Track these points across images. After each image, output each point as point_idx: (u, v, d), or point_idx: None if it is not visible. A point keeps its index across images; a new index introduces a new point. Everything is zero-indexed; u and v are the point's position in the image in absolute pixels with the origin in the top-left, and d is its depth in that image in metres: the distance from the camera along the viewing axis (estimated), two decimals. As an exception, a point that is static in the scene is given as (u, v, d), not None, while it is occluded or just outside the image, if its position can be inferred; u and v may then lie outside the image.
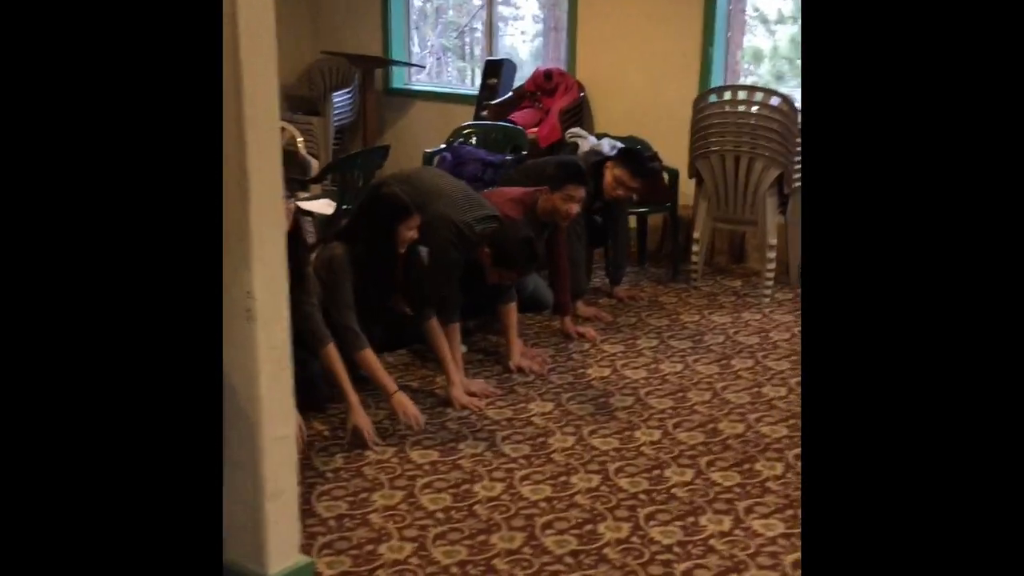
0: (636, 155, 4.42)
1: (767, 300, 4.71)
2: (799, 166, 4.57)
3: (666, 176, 5.07)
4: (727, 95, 4.78)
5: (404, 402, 3.27)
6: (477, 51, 6.61)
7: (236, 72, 2.04)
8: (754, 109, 4.63)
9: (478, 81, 6.27)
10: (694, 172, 4.80)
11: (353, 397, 3.17)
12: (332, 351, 3.14)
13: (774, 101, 4.57)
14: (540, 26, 6.47)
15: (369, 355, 3.25)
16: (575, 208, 3.91)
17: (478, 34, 6.84)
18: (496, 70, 6.13)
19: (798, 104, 4.49)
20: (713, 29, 5.46)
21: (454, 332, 3.62)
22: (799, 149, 4.50)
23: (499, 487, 2.93)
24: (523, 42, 6.61)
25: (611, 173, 4.30)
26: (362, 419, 3.17)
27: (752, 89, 4.84)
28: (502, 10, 6.83)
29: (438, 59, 7.21)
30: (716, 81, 5.47)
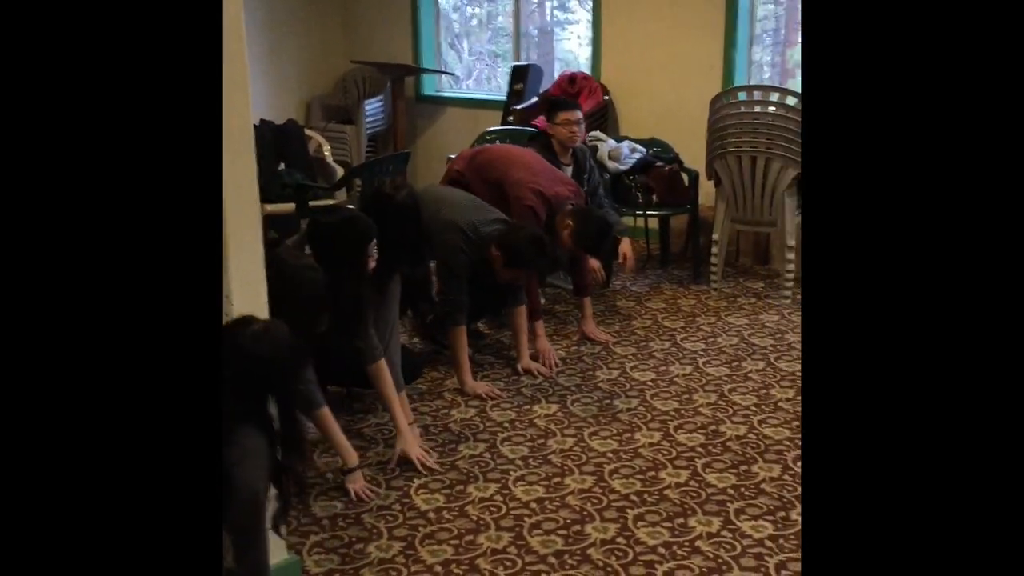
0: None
1: (787, 302, 4.67)
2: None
3: (686, 177, 5.06)
4: (742, 95, 4.76)
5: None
6: (534, 56, 6.65)
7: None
8: (770, 109, 4.59)
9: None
10: (712, 173, 4.78)
11: (402, 422, 3.11)
12: (381, 365, 3.07)
13: (790, 101, 4.53)
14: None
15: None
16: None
17: (535, 39, 6.88)
18: (522, 75, 6.17)
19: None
20: (735, 33, 5.43)
21: (461, 335, 3.66)
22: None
23: (493, 488, 2.96)
24: (579, 46, 6.62)
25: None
26: (412, 447, 3.08)
27: (768, 89, 4.81)
28: (558, 15, 6.87)
29: (488, 66, 7.26)
30: (739, 82, 5.44)
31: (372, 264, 2.97)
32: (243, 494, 2.03)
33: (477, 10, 7.27)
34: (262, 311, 2.31)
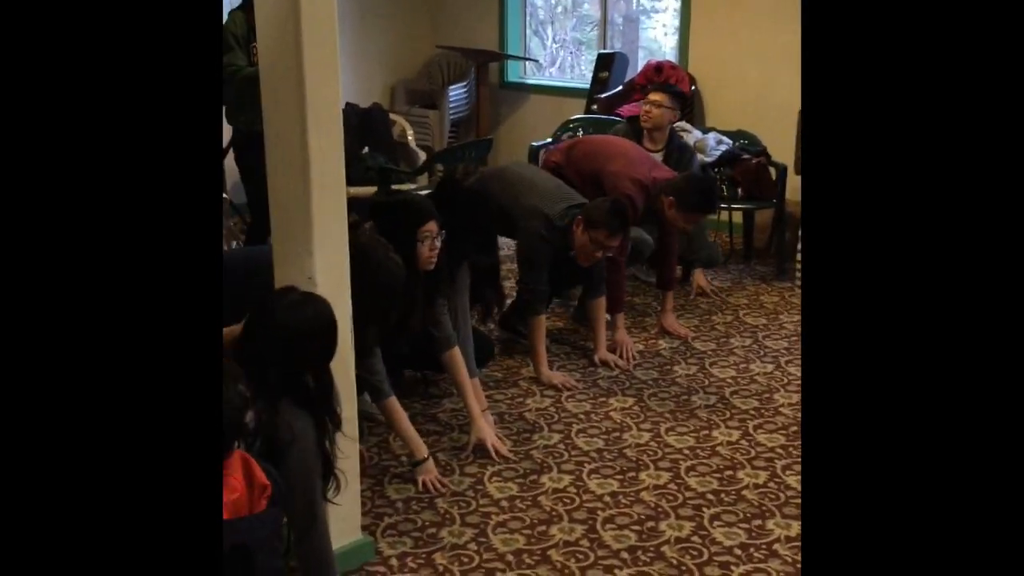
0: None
1: (874, 302, 4.53)
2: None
3: (773, 171, 4.95)
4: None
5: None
6: (618, 44, 6.58)
7: (298, 63, 2.12)
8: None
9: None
10: (801, 167, 4.66)
11: (475, 409, 3.08)
12: (455, 353, 3.08)
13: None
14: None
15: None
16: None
17: (620, 27, 6.81)
18: (608, 64, 6.10)
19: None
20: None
21: (540, 325, 3.63)
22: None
23: (567, 479, 2.93)
24: (664, 35, 6.53)
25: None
26: (486, 433, 3.06)
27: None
28: (644, 3, 6.78)
29: (571, 53, 7.21)
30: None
31: (433, 248, 2.88)
32: (297, 479, 2.04)
33: (564, -1, 7.21)
34: (345, 294, 2.32)
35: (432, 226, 2.89)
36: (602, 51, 6.30)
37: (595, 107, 5.91)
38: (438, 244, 2.91)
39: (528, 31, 7.00)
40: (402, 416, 2.89)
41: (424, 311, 2.97)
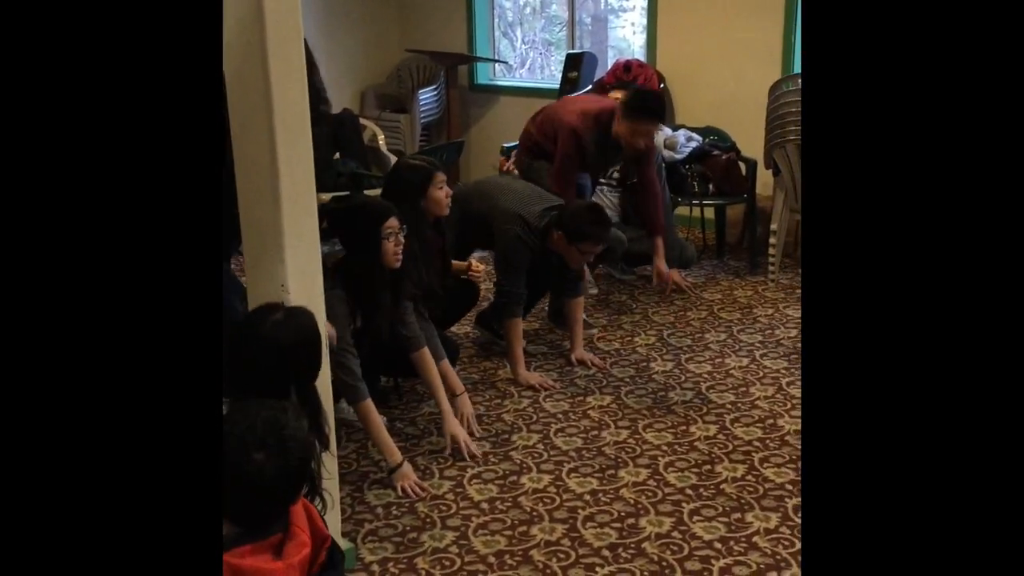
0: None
1: (847, 293, 4.57)
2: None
3: (743, 167, 4.98)
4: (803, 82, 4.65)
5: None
6: (588, 44, 6.59)
7: (264, 71, 2.11)
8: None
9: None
10: (771, 162, 4.70)
11: (445, 404, 3.11)
12: (424, 353, 3.08)
13: (853, 88, 4.42)
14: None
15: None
16: (648, 142, 4.06)
17: (588, 27, 6.83)
18: (577, 64, 6.12)
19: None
20: (795, 17, 5.33)
21: (517, 326, 3.65)
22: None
23: (546, 479, 2.94)
24: (633, 33, 6.54)
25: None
26: (456, 428, 3.10)
27: (830, 76, 4.70)
28: (612, 2, 6.80)
29: (541, 54, 7.21)
30: (799, 70, 5.33)
31: (398, 243, 2.90)
32: None
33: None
34: (318, 301, 2.32)
35: (393, 222, 2.92)
36: (571, 51, 6.32)
37: (565, 107, 5.92)
38: (402, 239, 2.93)
39: (497, 33, 7.01)
40: (377, 421, 2.89)
41: (391, 311, 2.98)
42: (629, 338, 4.08)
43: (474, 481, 2.94)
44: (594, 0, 6.87)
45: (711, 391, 3.55)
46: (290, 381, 2.08)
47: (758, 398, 3.49)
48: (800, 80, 4.68)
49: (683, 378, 3.67)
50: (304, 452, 1.65)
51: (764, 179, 4.96)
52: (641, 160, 4.12)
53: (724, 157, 4.94)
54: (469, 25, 6.80)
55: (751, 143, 5.06)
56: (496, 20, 6.98)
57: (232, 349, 2.10)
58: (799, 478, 2.91)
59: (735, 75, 5.56)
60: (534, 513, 2.76)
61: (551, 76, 6.87)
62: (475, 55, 6.80)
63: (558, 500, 2.82)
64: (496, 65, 6.99)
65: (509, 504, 2.81)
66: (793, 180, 4.61)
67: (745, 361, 3.82)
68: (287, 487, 1.62)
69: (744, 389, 3.56)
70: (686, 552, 2.55)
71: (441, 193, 3.29)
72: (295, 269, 2.25)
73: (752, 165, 4.96)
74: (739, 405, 3.43)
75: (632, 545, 2.59)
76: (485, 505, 2.80)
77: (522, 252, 3.56)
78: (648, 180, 4.14)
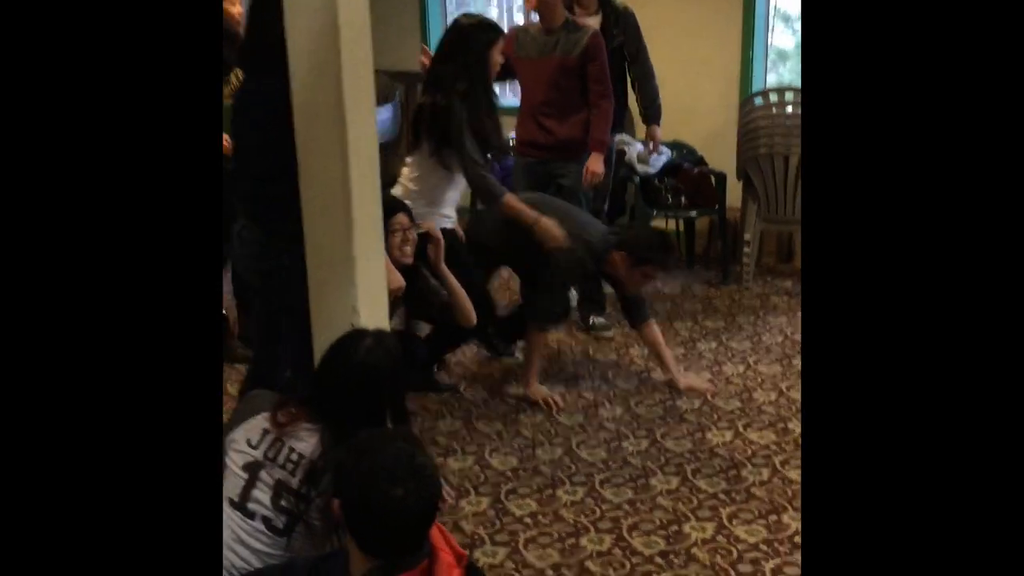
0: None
1: (820, 299, 4.75)
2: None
3: (713, 179, 5.14)
4: (773, 97, 4.84)
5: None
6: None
7: (339, 100, 2.13)
8: (800, 110, 4.68)
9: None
10: (743, 174, 4.86)
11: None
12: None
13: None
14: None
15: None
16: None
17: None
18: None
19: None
20: (752, 33, 5.52)
21: (543, 340, 3.71)
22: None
23: (581, 491, 2.99)
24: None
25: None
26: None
27: (797, 91, 4.90)
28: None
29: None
30: (757, 84, 5.53)
31: (405, 240, 3.06)
32: None
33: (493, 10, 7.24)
34: (385, 323, 2.34)
35: (403, 218, 3.03)
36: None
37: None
38: (410, 237, 3.00)
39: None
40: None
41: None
42: (625, 350, 4.17)
43: (511, 496, 2.97)
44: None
45: (716, 398, 3.66)
46: (386, 404, 2.10)
47: (763, 403, 3.61)
48: (769, 96, 4.87)
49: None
50: (437, 478, 1.69)
51: (733, 191, 5.12)
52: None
53: (696, 170, 5.09)
54: (424, 44, 6.82)
55: (715, 156, 5.23)
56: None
57: (324, 375, 2.11)
58: (822, 478, 3.04)
59: (695, 91, 5.72)
60: (579, 524, 2.81)
61: (507, 94, 6.93)
62: (429, 73, 6.82)
63: (598, 511, 2.88)
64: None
65: (552, 517, 2.85)
66: (766, 191, 4.78)
67: (741, 368, 3.95)
68: (428, 514, 1.65)
69: (748, 395, 3.68)
70: (735, 556, 2.64)
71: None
72: (365, 292, 2.27)
73: (722, 178, 5.12)
74: (747, 411, 3.55)
75: (682, 551, 2.67)
76: (528, 520, 2.84)
77: (578, 275, 3.61)
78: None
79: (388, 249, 2.90)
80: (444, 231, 3.39)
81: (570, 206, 3.83)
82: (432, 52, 3.77)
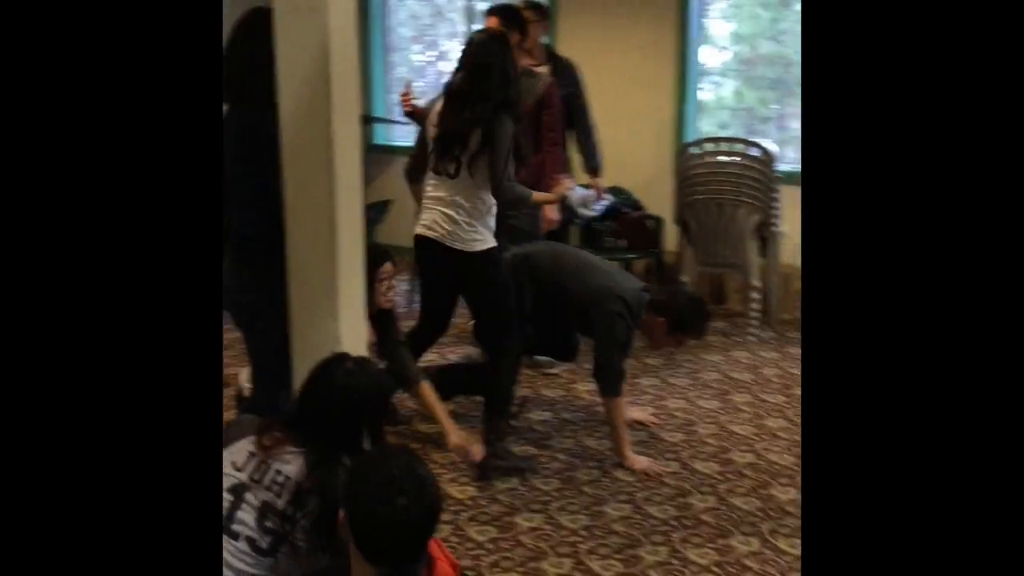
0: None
1: (753, 339, 4.99)
2: (776, 211, 4.91)
3: (651, 223, 5.36)
4: (709, 147, 5.10)
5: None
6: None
7: (327, 139, 2.24)
8: (736, 159, 4.95)
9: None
10: (681, 219, 5.09)
11: (448, 424, 3.32)
12: (425, 387, 3.36)
13: (753, 152, 4.90)
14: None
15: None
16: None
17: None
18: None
19: (773, 152, 4.86)
20: (684, 85, 5.80)
21: (623, 405, 3.57)
22: (775, 195, 4.86)
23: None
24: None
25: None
26: (458, 438, 3.31)
27: (733, 140, 5.17)
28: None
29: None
30: (690, 134, 5.80)
31: (390, 288, 3.30)
32: None
33: (427, 55, 7.37)
34: (364, 353, 2.44)
35: (388, 267, 3.16)
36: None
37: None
38: (395, 284, 3.13)
39: (394, 93, 7.16)
40: (435, 399, 3.30)
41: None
42: (573, 386, 4.32)
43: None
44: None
45: (661, 431, 3.83)
46: (364, 426, 2.19)
47: (705, 435, 3.79)
48: (705, 145, 5.13)
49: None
50: (437, 490, 1.79)
51: (670, 234, 5.35)
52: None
53: (636, 215, 5.31)
54: (364, 85, 6.94)
55: (652, 201, 5.48)
56: (394, 80, 7.14)
57: (304, 398, 2.19)
58: (767, 506, 3.21)
59: (631, 140, 5.95)
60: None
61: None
62: (371, 115, 6.93)
63: (555, 536, 3.00)
64: (394, 126, 7.14)
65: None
66: (703, 235, 5.02)
67: (682, 403, 4.13)
68: (430, 523, 1.76)
69: (690, 428, 3.86)
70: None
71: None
72: (347, 325, 2.37)
73: (658, 221, 5.35)
74: (691, 442, 3.72)
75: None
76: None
77: (623, 330, 3.45)
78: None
79: (372, 296, 3.06)
80: (489, 250, 3.33)
81: (589, 255, 3.78)
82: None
